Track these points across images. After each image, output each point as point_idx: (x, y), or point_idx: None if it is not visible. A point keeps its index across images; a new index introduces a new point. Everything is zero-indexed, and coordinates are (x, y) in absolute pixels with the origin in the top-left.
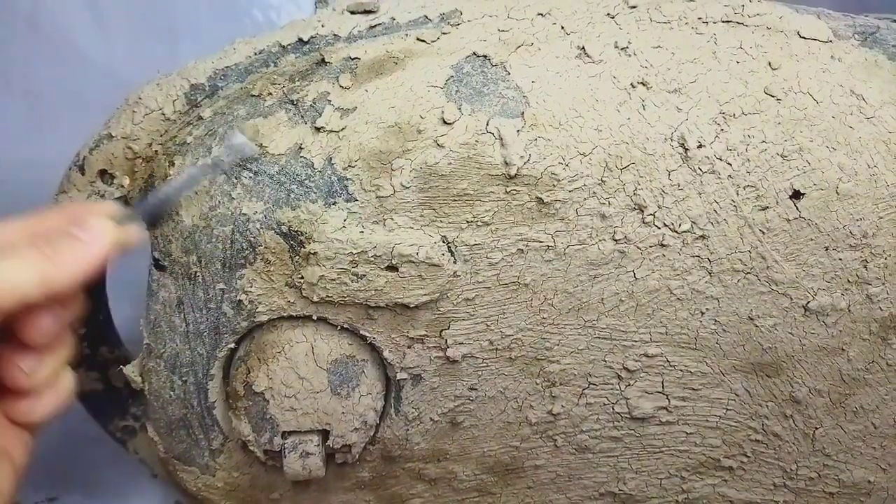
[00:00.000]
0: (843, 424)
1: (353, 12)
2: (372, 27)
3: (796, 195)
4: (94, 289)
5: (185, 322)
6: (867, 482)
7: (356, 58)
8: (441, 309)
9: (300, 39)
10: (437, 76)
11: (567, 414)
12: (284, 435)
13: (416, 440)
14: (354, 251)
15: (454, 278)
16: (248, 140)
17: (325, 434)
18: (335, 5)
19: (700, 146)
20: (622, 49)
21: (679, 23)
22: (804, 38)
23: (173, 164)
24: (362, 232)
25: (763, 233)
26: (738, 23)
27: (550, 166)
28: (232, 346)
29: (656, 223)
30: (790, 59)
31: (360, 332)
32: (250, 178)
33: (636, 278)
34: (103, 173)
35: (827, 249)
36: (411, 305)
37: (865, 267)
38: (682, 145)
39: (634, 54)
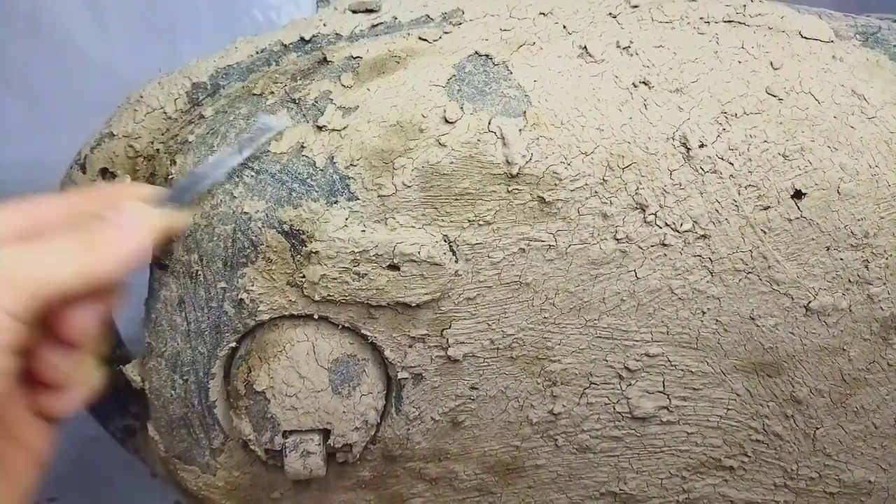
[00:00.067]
0: (843, 424)
1: (354, 11)
2: (374, 26)
3: (798, 195)
4: None
5: (187, 321)
6: (868, 482)
7: (358, 57)
8: (442, 308)
9: (302, 38)
10: (440, 75)
11: (568, 413)
12: (285, 434)
13: (416, 439)
14: (356, 250)
15: (456, 277)
16: (274, 117)
17: (326, 433)
18: (337, 4)
19: (702, 146)
20: (624, 48)
21: (681, 22)
22: (806, 38)
23: (175, 163)
24: (364, 231)
25: (764, 232)
26: (739, 23)
27: (552, 165)
28: (233, 344)
29: (658, 223)
30: (792, 59)
31: (362, 331)
32: (252, 176)
33: (637, 278)
34: (105, 172)
35: (828, 249)
36: (413, 304)
37: (867, 267)
38: (683, 145)
39: (636, 54)
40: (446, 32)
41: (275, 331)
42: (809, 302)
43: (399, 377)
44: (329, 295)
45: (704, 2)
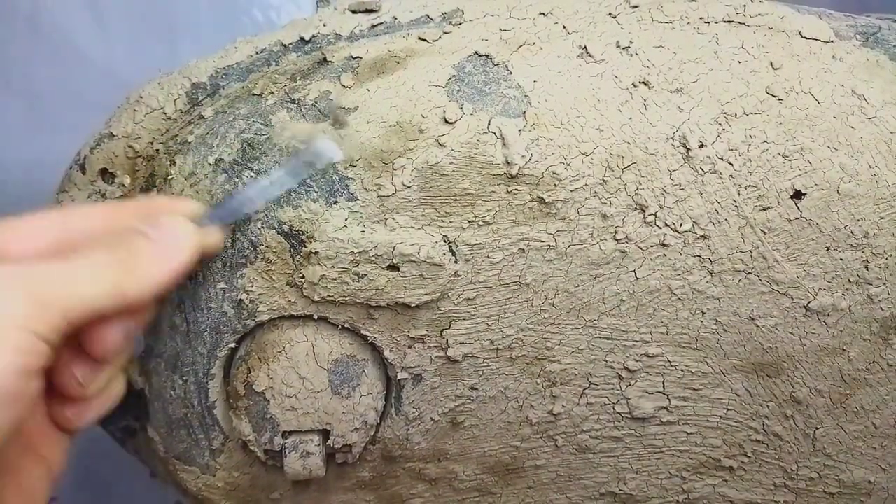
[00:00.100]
0: (843, 424)
1: (354, 11)
2: (373, 26)
3: (797, 195)
4: None
5: (186, 321)
6: (867, 482)
7: (358, 57)
8: (442, 308)
9: (302, 38)
10: (439, 75)
11: (568, 414)
12: (285, 434)
13: (416, 440)
14: (355, 250)
15: (455, 278)
16: (332, 143)
17: (325, 434)
18: (337, 4)
19: (702, 146)
20: (624, 49)
21: (681, 22)
22: (806, 38)
23: (174, 163)
24: (363, 231)
25: (764, 233)
26: (739, 23)
27: (552, 166)
28: (233, 345)
29: (657, 223)
30: (792, 59)
31: (361, 331)
32: (251, 177)
33: (637, 278)
34: (104, 172)
35: (828, 249)
36: (412, 305)
37: (866, 267)
38: (683, 145)
39: (636, 54)
40: (446, 32)
41: (274, 331)
42: (809, 302)
43: (399, 378)
44: (328, 295)
45: (704, 2)
